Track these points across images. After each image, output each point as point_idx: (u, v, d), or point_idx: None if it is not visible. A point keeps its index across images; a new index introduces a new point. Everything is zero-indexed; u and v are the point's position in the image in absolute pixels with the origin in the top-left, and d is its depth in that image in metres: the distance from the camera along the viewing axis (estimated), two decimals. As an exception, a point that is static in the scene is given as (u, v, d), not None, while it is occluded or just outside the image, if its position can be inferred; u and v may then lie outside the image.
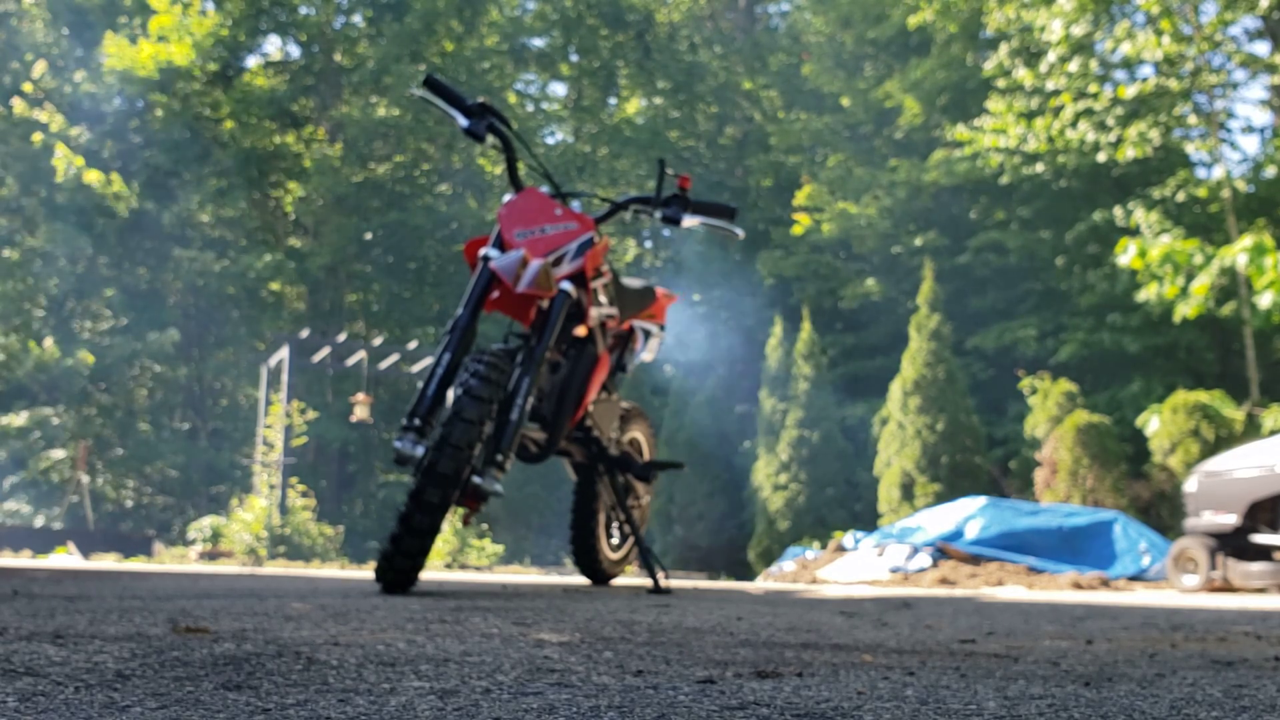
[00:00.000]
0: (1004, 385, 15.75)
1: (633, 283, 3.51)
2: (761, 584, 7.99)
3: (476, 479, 2.79)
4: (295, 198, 24.88)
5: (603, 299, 3.25)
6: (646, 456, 3.87)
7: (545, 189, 3.25)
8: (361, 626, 1.85)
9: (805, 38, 21.90)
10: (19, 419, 24.19)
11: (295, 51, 26.63)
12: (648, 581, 3.43)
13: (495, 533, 15.46)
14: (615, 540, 3.78)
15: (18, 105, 24.20)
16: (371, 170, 23.79)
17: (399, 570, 2.67)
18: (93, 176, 23.62)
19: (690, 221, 3.20)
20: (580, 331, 3.18)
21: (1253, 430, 11.24)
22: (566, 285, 2.99)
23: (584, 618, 2.21)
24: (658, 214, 3.21)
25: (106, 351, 24.29)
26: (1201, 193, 14.27)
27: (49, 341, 23.88)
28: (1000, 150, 15.38)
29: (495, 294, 3.02)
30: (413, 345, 16.43)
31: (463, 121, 3.06)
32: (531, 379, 2.88)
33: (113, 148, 24.84)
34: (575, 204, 3.26)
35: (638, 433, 3.82)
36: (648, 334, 3.60)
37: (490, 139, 3.10)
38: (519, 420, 2.84)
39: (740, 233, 3.31)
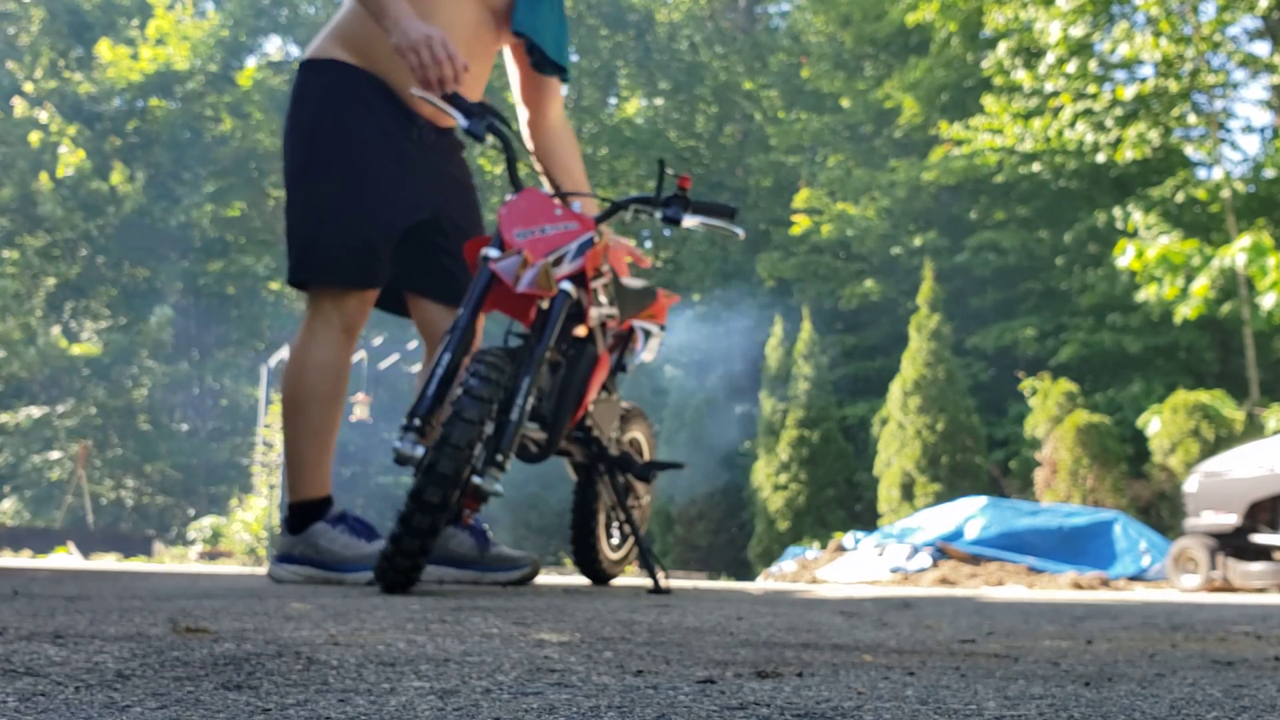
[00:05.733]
0: (1004, 385, 15.75)
1: (633, 283, 3.50)
2: (761, 584, 7.99)
3: (476, 479, 2.79)
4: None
5: (603, 299, 3.24)
6: (647, 457, 3.87)
7: (545, 189, 3.24)
8: (361, 626, 1.85)
9: (805, 37, 21.91)
10: (18, 417, 24.15)
11: (295, 51, 26.64)
12: (648, 581, 3.43)
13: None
14: (615, 540, 3.78)
15: (18, 106, 24.19)
16: (371, 170, 23.79)
17: (399, 570, 2.67)
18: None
19: (690, 221, 3.19)
20: (580, 331, 3.18)
21: (1253, 430, 11.24)
22: (567, 285, 2.99)
23: (584, 618, 2.21)
24: (658, 214, 3.20)
25: (106, 350, 24.27)
26: (1201, 194, 14.27)
27: (55, 329, 23.86)
28: (997, 150, 15.39)
29: (495, 294, 3.01)
30: (413, 345, 16.41)
31: (463, 122, 3.04)
32: (531, 379, 2.88)
33: (112, 147, 24.83)
34: (575, 204, 3.26)
35: (638, 433, 3.82)
36: (648, 334, 3.60)
37: (490, 139, 3.09)
38: (519, 420, 2.84)
39: (740, 233, 3.30)
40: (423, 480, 2.62)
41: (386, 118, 3.16)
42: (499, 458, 2.81)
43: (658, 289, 3.64)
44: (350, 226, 3.11)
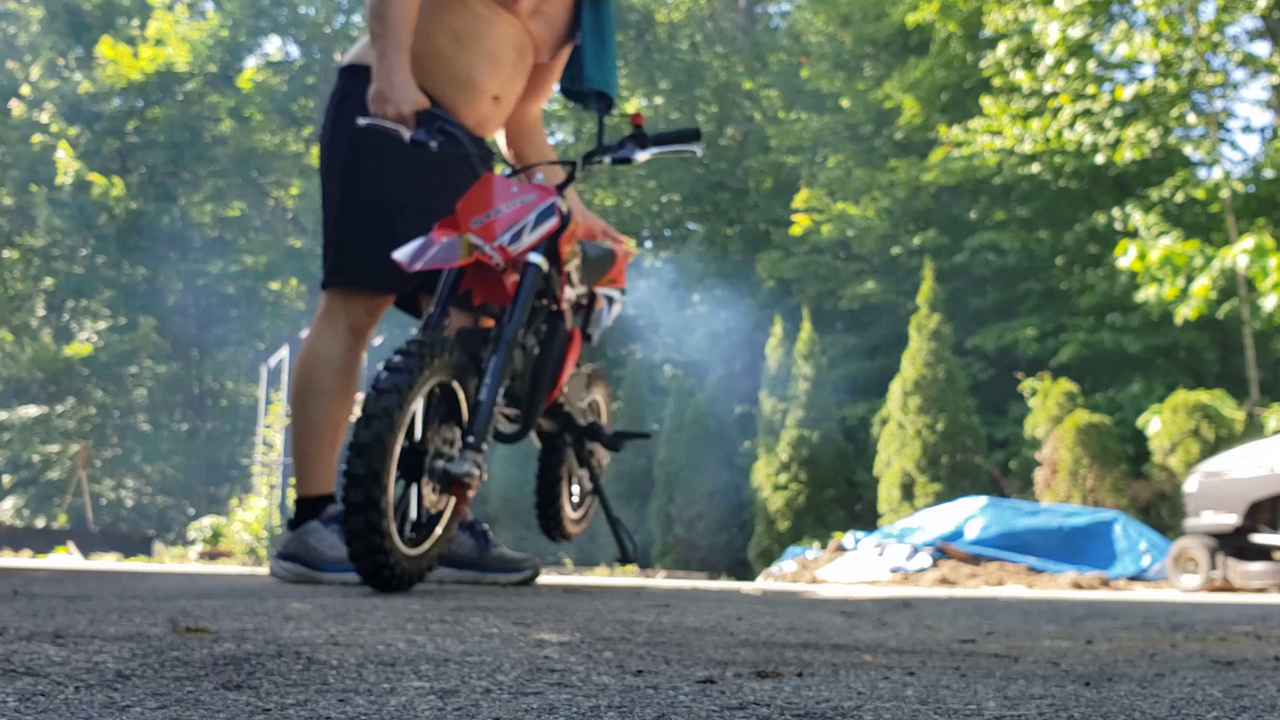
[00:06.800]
0: (1004, 385, 15.74)
1: (593, 249, 3.52)
2: (761, 584, 7.99)
3: (445, 464, 2.79)
4: (295, 197, 24.85)
5: (577, 279, 3.27)
6: (604, 417, 3.90)
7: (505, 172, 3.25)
8: (361, 626, 1.85)
9: (806, 37, 21.90)
10: (18, 416, 24.14)
11: (295, 51, 26.62)
12: (647, 581, 3.44)
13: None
14: (576, 500, 3.84)
15: (16, 107, 24.17)
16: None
17: (361, 556, 2.63)
18: (92, 177, 23.58)
19: (644, 155, 3.20)
20: (557, 307, 3.22)
21: (1253, 430, 11.24)
22: (535, 257, 2.98)
23: (584, 618, 2.21)
24: (608, 160, 3.22)
25: (98, 351, 24.25)
26: (1200, 194, 14.26)
27: (45, 335, 23.84)
28: (996, 151, 15.38)
29: (475, 285, 3.02)
30: (412, 345, 16.34)
31: (406, 134, 3.03)
32: (501, 358, 2.88)
33: (111, 148, 24.80)
34: (538, 175, 3.27)
35: (596, 394, 3.86)
36: (610, 300, 3.62)
37: (436, 142, 3.06)
38: (489, 400, 2.84)
39: (698, 150, 3.27)
40: (350, 455, 2.63)
41: None
42: (471, 439, 2.81)
43: (616, 248, 3.64)
44: (382, 233, 3.16)
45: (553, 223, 3.00)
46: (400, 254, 2.86)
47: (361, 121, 3.03)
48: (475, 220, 2.94)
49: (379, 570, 2.65)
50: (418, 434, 2.79)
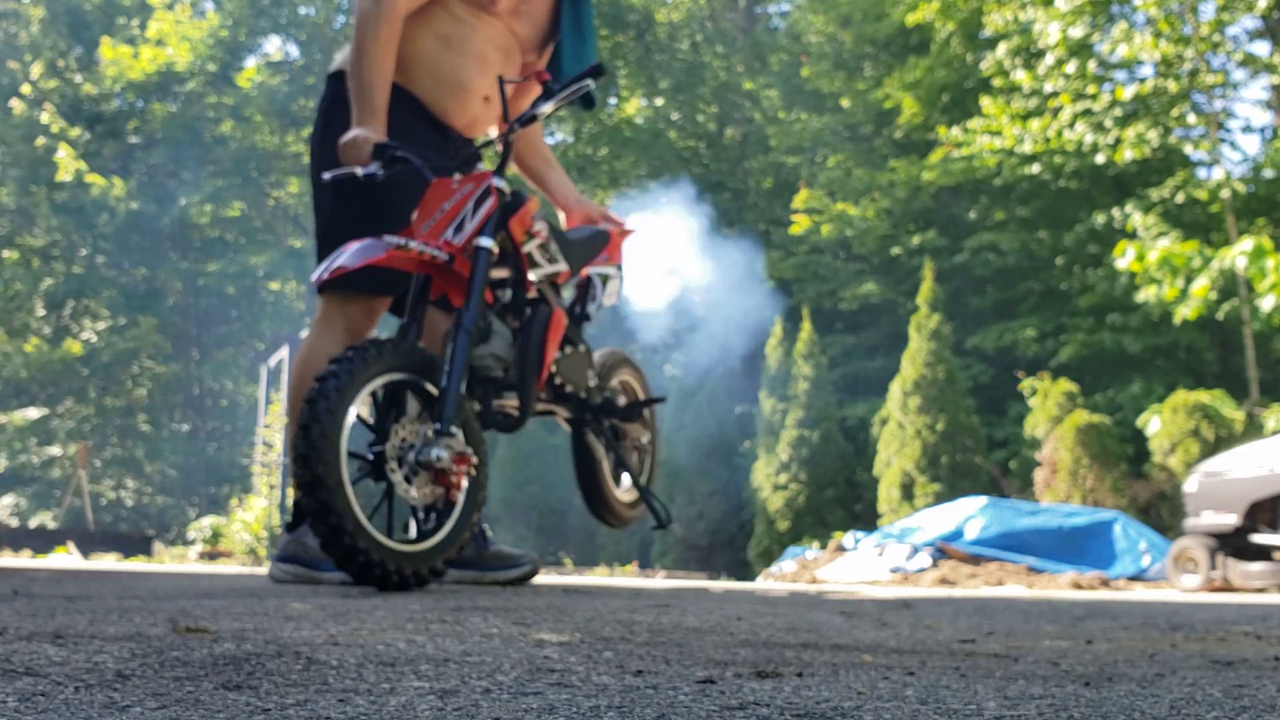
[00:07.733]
0: (1004, 385, 15.74)
1: (580, 232, 3.55)
2: (762, 584, 7.99)
3: (416, 454, 2.83)
4: (295, 197, 24.85)
5: (541, 259, 3.29)
6: (641, 398, 3.90)
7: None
8: (361, 626, 1.85)
9: (806, 37, 21.90)
10: (18, 417, 24.14)
11: (295, 51, 26.62)
12: (647, 581, 3.44)
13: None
14: (626, 484, 3.82)
15: (17, 106, 24.17)
16: (371, 170, 23.80)
17: (331, 541, 2.65)
18: (92, 178, 23.57)
19: (549, 106, 3.25)
20: (530, 293, 3.25)
21: (1253, 430, 11.24)
22: (484, 241, 3.02)
23: (584, 618, 2.21)
24: (518, 125, 3.28)
25: (105, 350, 24.24)
26: (1201, 194, 14.26)
27: (43, 335, 23.84)
28: (996, 151, 15.38)
29: (447, 289, 3.07)
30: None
31: (360, 172, 3.07)
32: (461, 345, 2.92)
33: (112, 148, 24.80)
34: (480, 165, 3.32)
35: (627, 377, 3.86)
36: (606, 278, 3.64)
37: (382, 174, 3.09)
38: (453, 387, 2.87)
39: (590, 84, 3.29)
40: (294, 439, 2.67)
41: (417, 133, 3.24)
42: (438, 426, 2.84)
43: (611, 229, 3.67)
44: (375, 236, 3.17)
45: (490, 203, 3.05)
46: (316, 271, 2.93)
47: (326, 176, 3.11)
48: (425, 226, 3.02)
49: (352, 557, 2.65)
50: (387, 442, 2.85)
